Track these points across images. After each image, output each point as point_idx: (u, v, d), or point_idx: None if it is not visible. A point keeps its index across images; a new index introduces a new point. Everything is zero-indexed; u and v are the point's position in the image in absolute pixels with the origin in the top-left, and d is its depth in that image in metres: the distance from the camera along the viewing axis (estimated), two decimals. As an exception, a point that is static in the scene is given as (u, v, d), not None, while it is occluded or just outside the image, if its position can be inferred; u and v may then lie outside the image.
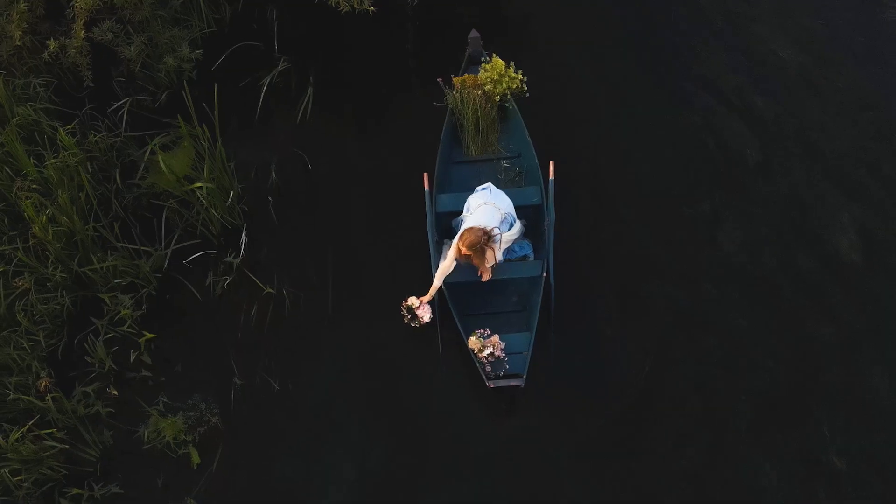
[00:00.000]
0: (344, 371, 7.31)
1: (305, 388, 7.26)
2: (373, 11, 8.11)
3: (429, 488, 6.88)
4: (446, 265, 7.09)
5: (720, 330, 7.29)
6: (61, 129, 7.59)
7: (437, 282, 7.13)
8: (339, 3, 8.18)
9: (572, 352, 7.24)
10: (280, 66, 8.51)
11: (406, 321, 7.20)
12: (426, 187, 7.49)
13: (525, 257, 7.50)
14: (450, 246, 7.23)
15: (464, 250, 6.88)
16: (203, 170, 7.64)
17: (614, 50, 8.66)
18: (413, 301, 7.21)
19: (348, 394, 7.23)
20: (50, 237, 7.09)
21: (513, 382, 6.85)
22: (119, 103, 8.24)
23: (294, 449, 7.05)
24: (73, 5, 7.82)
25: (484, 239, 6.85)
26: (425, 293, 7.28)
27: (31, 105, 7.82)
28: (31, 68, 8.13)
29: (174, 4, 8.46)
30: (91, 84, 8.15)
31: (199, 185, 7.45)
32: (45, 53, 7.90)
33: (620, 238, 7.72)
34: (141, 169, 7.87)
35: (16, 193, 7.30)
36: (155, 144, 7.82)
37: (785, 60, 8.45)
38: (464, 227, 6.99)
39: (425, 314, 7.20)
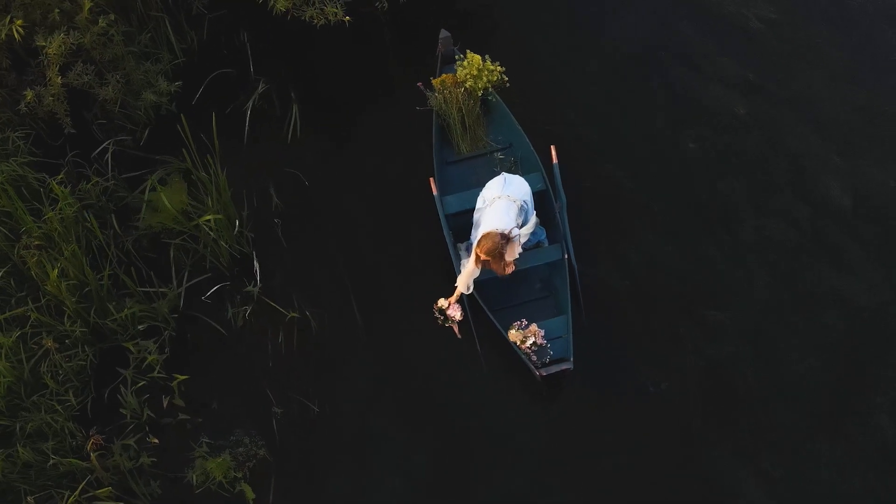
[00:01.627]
0: (381, 382, 7.31)
1: (345, 405, 7.23)
2: (348, 21, 8.08)
3: (481, 487, 6.93)
4: (469, 271, 7.08)
5: (739, 297, 7.50)
6: (53, 182, 7.35)
7: (462, 288, 7.16)
8: (313, 16, 8.12)
9: (605, 332, 7.36)
10: (260, 89, 8.40)
11: (440, 323, 7.22)
12: (434, 192, 7.51)
13: (539, 244, 7.59)
14: (469, 250, 7.28)
15: (483, 257, 6.90)
16: (206, 201, 7.52)
17: (585, 25, 8.79)
18: (442, 302, 7.24)
19: (388, 404, 7.24)
20: (64, 293, 6.87)
21: (563, 367, 6.92)
22: (101, 147, 8.02)
23: (344, 466, 7.03)
24: (45, 52, 7.57)
25: (503, 243, 6.83)
26: (450, 293, 7.31)
27: (13, 160, 7.54)
28: (4, 122, 7.84)
29: (142, 39, 8.27)
30: (72, 130, 7.91)
31: (208, 217, 7.31)
32: (22, 104, 7.63)
33: (630, 210, 7.88)
34: (143, 209, 7.67)
35: (19, 253, 7.04)
36: (154, 181, 7.64)
37: (758, 24, 8.68)
38: (480, 232, 6.98)
39: (456, 313, 7.24)
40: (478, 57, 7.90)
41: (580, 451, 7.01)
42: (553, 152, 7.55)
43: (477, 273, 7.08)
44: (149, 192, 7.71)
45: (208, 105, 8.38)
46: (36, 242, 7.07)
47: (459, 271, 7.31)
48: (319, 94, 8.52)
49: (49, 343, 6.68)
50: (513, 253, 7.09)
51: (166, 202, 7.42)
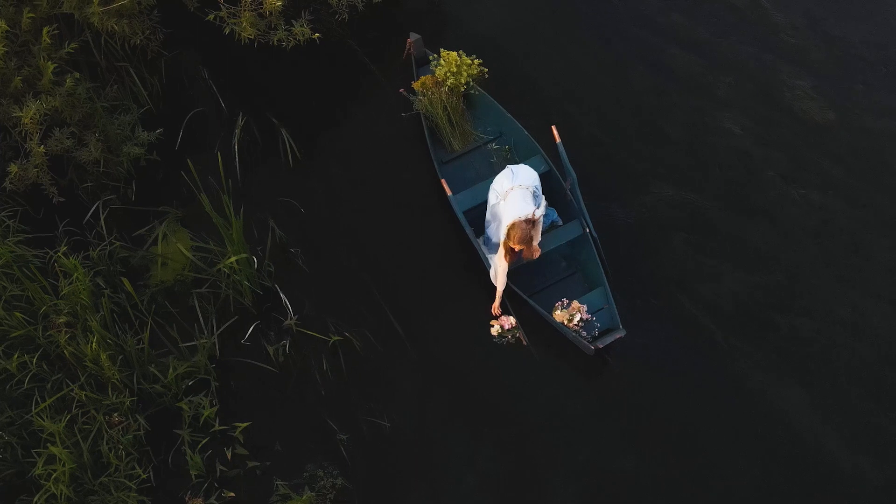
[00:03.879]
0: (434, 387, 7.34)
1: (405, 416, 7.23)
2: (318, 38, 8.02)
3: (550, 468, 7.05)
4: (503, 268, 7.21)
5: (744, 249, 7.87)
6: (60, 255, 7.04)
7: (501, 287, 7.28)
8: (282, 39, 8.02)
9: (637, 297, 7.56)
10: (240, 122, 8.22)
11: (507, 343, 7.30)
12: (448, 192, 7.57)
13: (553, 224, 7.73)
14: (487, 244, 7.39)
15: (517, 247, 7.02)
16: (211, 243, 7.40)
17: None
18: (497, 327, 7.29)
19: (445, 407, 7.27)
20: (107, 365, 6.62)
21: (616, 335, 7.11)
22: (92, 210, 7.72)
23: (419, 475, 7.04)
24: (22, 122, 7.22)
25: (529, 228, 7.02)
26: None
27: (10, 241, 7.18)
28: (-15, 204, 7.48)
29: (108, 92, 7.98)
30: (61, 199, 7.58)
31: (232, 259, 7.15)
32: (7, 181, 7.26)
33: (637, 179, 8.13)
34: (159, 264, 7.43)
35: (45, 335, 6.73)
36: (164, 231, 7.42)
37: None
38: (503, 225, 7.11)
39: (506, 322, 7.30)
40: (453, 53, 7.98)
41: (641, 417, 7.18)
42: (554, 132, 7.70)
43: (508, 268, 7.20)
44: (154, 245, 7.48)
45: (189, 148, 8.19)
46: (62, 320, 6.77)
47: (487, 262, 7.42)
48: (302, 116, 8.42)
49: (116, 419, 6.42)
50: (537, 235, 7.26)
51: (185, 252, 7.23)
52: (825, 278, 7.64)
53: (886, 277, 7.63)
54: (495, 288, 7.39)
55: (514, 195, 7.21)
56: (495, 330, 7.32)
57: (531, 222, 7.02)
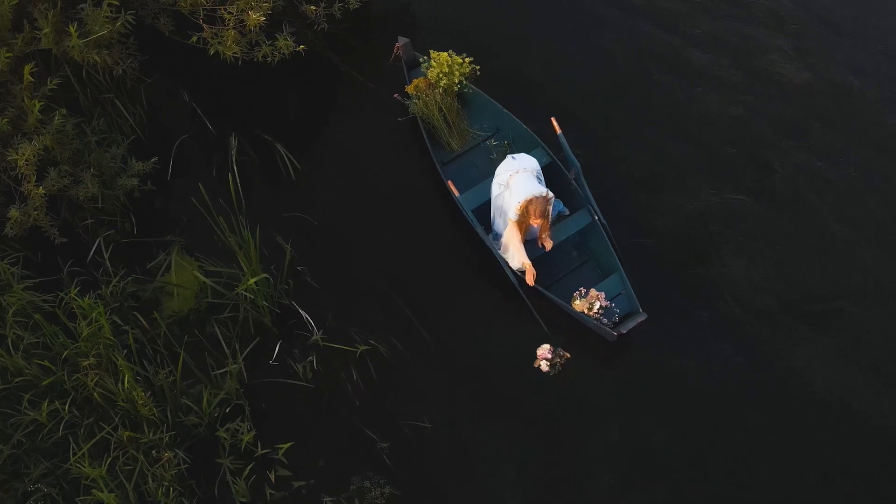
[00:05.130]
0: (465, 386, 7.36)
1: (441, 418, 7.23)
2: (303, 50, 7.97)
3: (585, 454, 7.12)
4: (516, 242, 7.28)
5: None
6: (73, 296, 6.87)
7: (526, 260, 7.33)
8: (267, 54, 7.94)
9: (651, 284, 7.64)
10: (234, 142, 8.11)
11: (561, 365, 7.29)
12: (456, 193, 7.60)
13: (559, 215, 7.81)
14: (496, 239, 7.44)
15: (536, 221, 7.09)
16: (237, 266, 7.29)
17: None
18: (542, 362, 7.28)
19: (480, 406, 7.29)
20: (142, 401, 6.49)
21: (638, 319, 7.21)
22: (94, 247, 7.54)
23: (463, 474, 7.04)
24: (17, 165, 7.00)
25: (546, 202, 7.14)
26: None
27: (18, 288, 6.97)
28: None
29: (95, 126, 7.79)
30: (62, 240, 7.39)
31: (252, 281, 7.06)
32: (8, 227, 7.03)
33: (635, 164, 8.26)
34: (175, 295, 7.29)
35: (73, 380, 6.57)
36: (176, 259, 7.30)
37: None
38: (521, 200, 7.15)
39: (546, 352, 7.29)
40: (444, 54, 8.00)
41: (666, 395, 7.28)
42: (554, 123, 7.79)
43: (521, 240, 7.27)
44: (163, 275, 7.35)
45: (182, 174, 8.06)
46: (88, 362, 6.60)
47: (500, 259, 7.48)
48: (294, 130, 8.36)
49: (166, 456, 6.29)
50: (548, 222, 7.34)
51: (202, 278, 7.11)
52: (834, 245, 7.87)
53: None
54: (514, 272, 7.44)
55: (518, 178, 7.29)
56: (545, 365, 7.27)
57: (546, 200, 7.11)
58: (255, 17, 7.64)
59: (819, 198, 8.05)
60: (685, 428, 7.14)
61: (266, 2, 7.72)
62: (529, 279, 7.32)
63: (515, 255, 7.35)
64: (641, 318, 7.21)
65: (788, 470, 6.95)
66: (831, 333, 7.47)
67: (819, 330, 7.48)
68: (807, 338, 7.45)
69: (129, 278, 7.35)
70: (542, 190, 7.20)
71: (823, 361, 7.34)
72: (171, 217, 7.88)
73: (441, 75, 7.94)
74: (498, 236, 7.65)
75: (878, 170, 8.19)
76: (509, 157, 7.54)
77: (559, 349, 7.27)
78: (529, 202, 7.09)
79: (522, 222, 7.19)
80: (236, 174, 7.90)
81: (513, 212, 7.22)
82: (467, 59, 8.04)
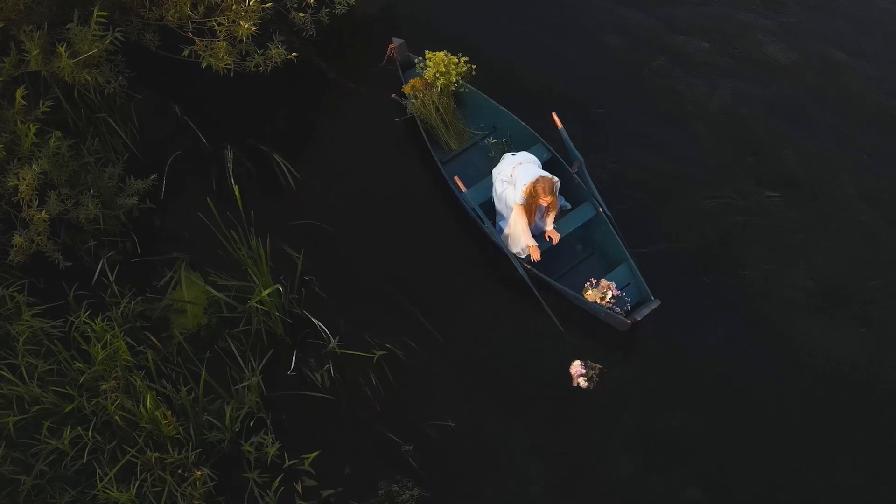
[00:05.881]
0: (481, 384, 7.38)
1: (461, 416, 7.24)
2: (295, 57, 7.93)
3: (606, 441, 7.18)
4: (524, 224, 7.35)
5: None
6: (86, 320, 6.76)
7: (531, 241, 7.42)
8: (259, 64, 7.89)
9: (658, 271, 7.71)
10: (229, 155, 8.03)
11: (597, 378, 7.27)
12: (463, 189, 7.62)
13: (561, 209, 7.84)
14: (500, 233, 7.48)
15: (546, 199, 7.18)
16: (246, 279, 7.22)
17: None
18: (579, 379, 7.27)
19: (499, 401, 7.32)
20: (168, 422, 6.41)
21: (652, 306, 7.26)
22: (98, 268, 7.43)
23: (489, 470, 7.08)
24: (18, 192, 6.87)
25: (553, 183, 7.23)
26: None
27: (26, 316, 6.84)
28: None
29: (90, 146, 7.67)
30: (67, 263, 7.27)
31: (265, 293, 7.01)
32: (13, 253, 6.90)
33: (638, 155, 8.33)
34: (189, 312, 7.22)
35: (100, 401, 6.47)
36: (181, 276, 7.21)
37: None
38: (519, 190, 7.22)
39: (580, 368, 7.30)
40: (440, 54, 8.00)
41: (679, 377, 7.35)
42: (555, 119, 7.83)
43: (527, 224, 7.35)
44: (171, 293, 7.29)
45: (178, 189, 7.98)
46: (107, 385, 6.50)
47: (509, 253, 7.51)
48: (290, 139, 8.32)
49: (198, 474, 6.22)
50: (554, 208, 7.41)
51: (214, 292, 7.05)
52: (849, 225, 8.00)
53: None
54: (523, 266, 7.48)
55: (521, 168, 7.38)
56: (583, 382, 7.25)
57: (552, 180, 7.20)
58: (247, 27, 7.58)
59: (830, 177, 8.18)
60: (700, 408, 7.22)
61: (256, 11, 7.66)
62: (535, 255, 7.40)
63: (521, 238, 7.40)
64: (655, 304, 7.26)
65: (811, 455, 7.03)
66: (847, 312, 7.58)
67: (835, 309, 7.60)
68: (823, 313, 7.56)
69: (139, 298, 7.24)
70: (547, 174, 7.29)
71: (839, 341, 7.45)
72: (172, 234, 7.80)
73: (438, 75, 7.95)
74: (501, 231, 7.68)
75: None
76: (506, 155, 7.60)
77: (588, 361, 7.29)
78: (536, 181, 7.17)
79: (530, 204, 7.24)
80: (239, 186, 7.81)
81: (519, 195, 7.28)
82: (463, 58, 8.05)
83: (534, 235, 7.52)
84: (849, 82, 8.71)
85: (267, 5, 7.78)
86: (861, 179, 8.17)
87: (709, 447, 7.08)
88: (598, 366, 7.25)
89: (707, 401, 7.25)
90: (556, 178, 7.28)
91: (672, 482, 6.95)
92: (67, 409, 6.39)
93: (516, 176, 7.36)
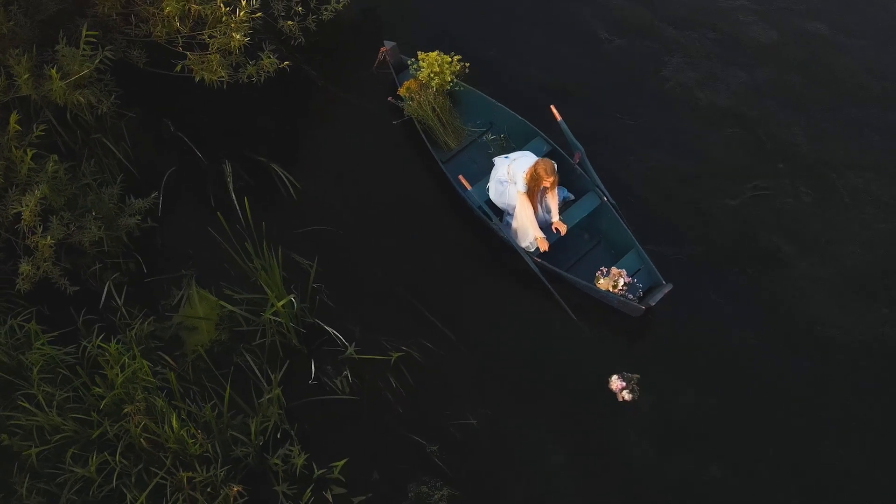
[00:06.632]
0: (502, 379, 7.39)
1: (483, 413, 7.25)
2: (287, 65, 7.90)
3: (626, 432, 7.21)
4: (530, 214, 7.39)
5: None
6: (100, 344, 6.66)
7: (539, 232, 7.45)
8: (252, 74, 7.84)
9: (665, 255, 7.79)
10: (228, 170, 7.97)
11: (637, 389, 7.27)
12: (468, 187, 7.64)
13: (564, 200, 7.91)
14: (508, 227, 7.51)
15: (550, 179, 7.24)
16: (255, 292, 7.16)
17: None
18: (623, 393, 7.27)
19: (519, 396, 7.33)
20: (190, 441, 6.34)
21: (665, 290, 7.30)
22: (105, 291, 7.32)
23: (514, 465, 7.09)
24: (21, 219, 6.75)
25: (553, 164, 7.29)
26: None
27: (38, 344, 6.72)
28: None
29: (87, 169, 7.56)
30: (74, 288, 7.15)
31: (280, 304, 6.96)
32: (20, 281, 6.78)
33: (637, 142, 8.40)
34: (203, 329, 7.14)
35: (123, 425, 6.39)
36: (192, 295, 7.14)
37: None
38: (520, 178, 7.29)
39: (619, 382, 7.29)
40: (433, 54, 8.01)
41: (694, 359, 7.39)
42: (554, 111, 7.86)
43: (533, 213, 7.41)
44: (180, 311, 7.24)
45: (177, 206, 7.89)
46: (131, 408, 6.41)
47: (517, 247, 7.54)
48: (286, 148, 8.27)
49: (234, 490, 6.16)
50: (555, 198, 7.48)
51: (228, 307, 7.01)
52: (856, 197, 8.13)
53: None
54: (533, 259, 7.51)
55: (517, 163, 7.45)
56: (627, 395, 7.24)
57: (552, 162, 7.27)
58: (239, 37, 7.53)
59: (833, 155, 8.28)
60: (716, 388, 7.28)
61: (246, 22, 7.60)
62: (544, 246, 7.43)
63: (528, 228, 7.44)
64: (667, 288, 7.32)
65: (827, 438, 7.08)
66: (864, 293, 7.64)
67: (849, 290, 7.65)
68: (831, 282, 7.66)
69: (150, 318, 7.15)
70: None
71: (854, 319, 7.51)
72: (175, 251, 7.72)
73: (432, 75, 7.95)
74: (509, 224, 7.70)
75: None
76: (499, 157, 7.66)
77: (625, 373, 7.29)
78: (537, 164, 7.24)
79: (533, 189, 7.28)
80: (233, 199, 7.77)
81: (521, 183, 7.32)
82: (456, 57, 8.06)
83: (541, 229, 7.55)
84: (839, 60, 8.89)
85: (257, 15, 7.72)
86: (870, 157, 8.31)
87: (727, 428, 7.13)
88: (636, 375, 7.26)
89: (724, 382, 7.30)
90: (554, 165, 7.34)
91: (693, 463, 7.01)
92: (95, 435, 6.29)
93: (514, 169, 7.40)
